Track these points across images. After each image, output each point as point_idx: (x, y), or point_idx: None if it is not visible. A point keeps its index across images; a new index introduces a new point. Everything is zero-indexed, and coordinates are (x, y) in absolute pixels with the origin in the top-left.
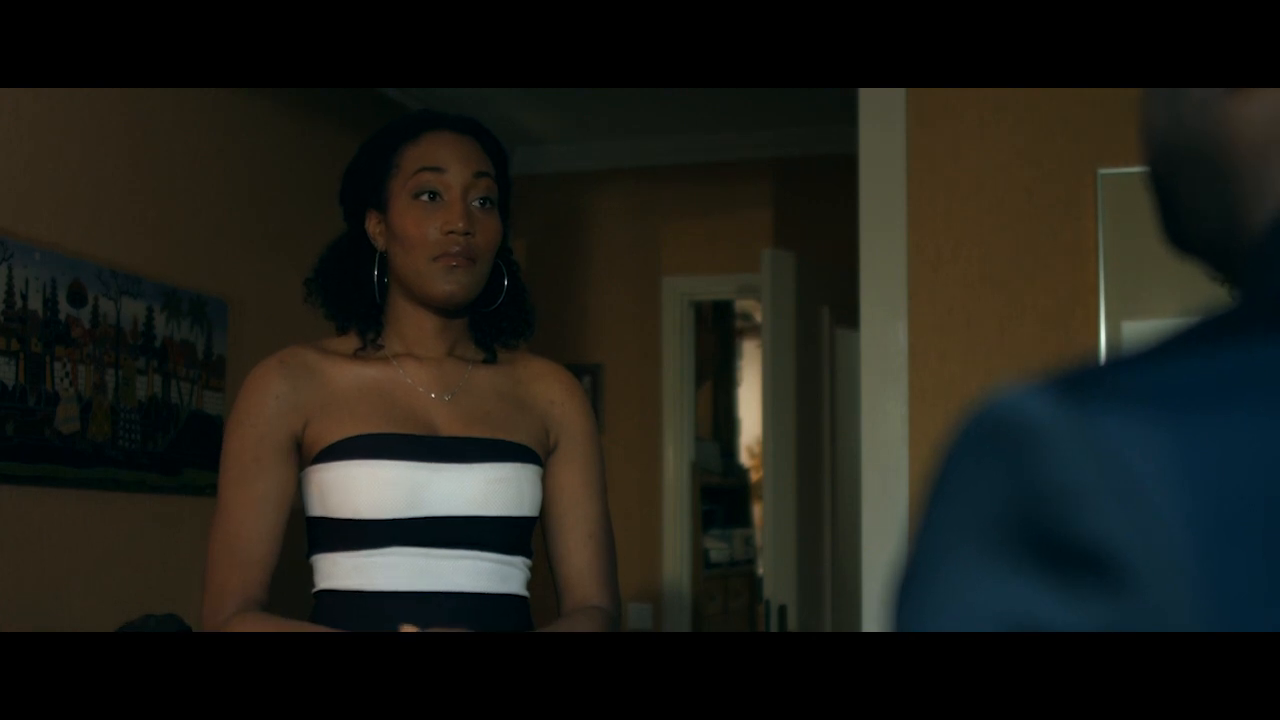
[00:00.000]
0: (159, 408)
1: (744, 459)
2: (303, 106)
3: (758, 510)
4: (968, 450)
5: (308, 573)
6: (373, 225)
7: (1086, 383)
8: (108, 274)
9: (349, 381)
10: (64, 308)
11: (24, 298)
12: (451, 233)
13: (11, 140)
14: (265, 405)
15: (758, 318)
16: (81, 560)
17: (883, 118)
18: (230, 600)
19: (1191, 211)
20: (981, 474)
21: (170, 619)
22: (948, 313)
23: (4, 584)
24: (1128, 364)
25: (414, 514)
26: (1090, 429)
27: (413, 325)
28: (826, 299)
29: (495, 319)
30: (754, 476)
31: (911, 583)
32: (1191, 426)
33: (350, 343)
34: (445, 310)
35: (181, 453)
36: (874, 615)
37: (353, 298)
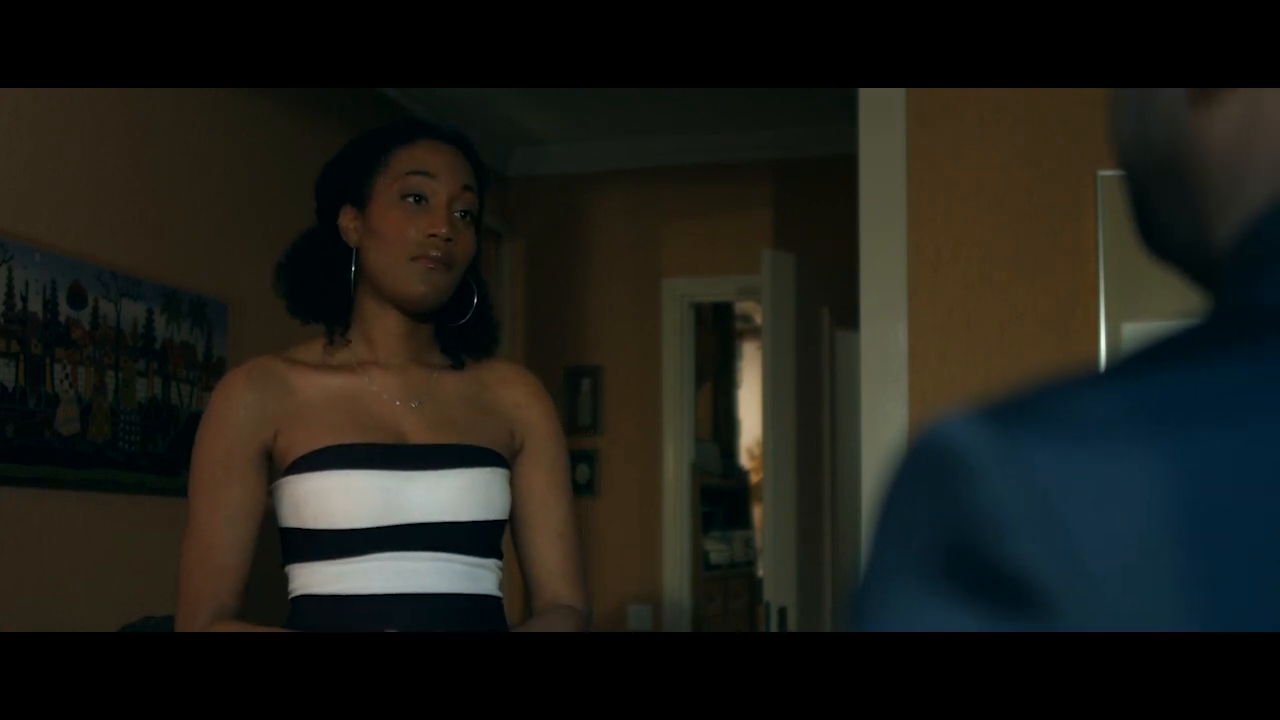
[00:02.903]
0: (159, 409)
1: (744, 460)
2: (303, 106)
3: (758, 512)
4: (904, 480)
5: (282, 581)
6: (347, 220)
7: (1018, 410)
8: (108, 275)
9: (316, 392)
10: (64, 309)
11: (24, 299)
12: (433, 236)
13: (11, 140)
14: (234, 414)
15: (758, 319)
16: (81, 562)
17: (883, 118)
18: (204, 609)
19: (1163, 221)
20: (915, 503)
21: (170, 620)
22: (948, 314)
23: (4, 585)
24: (1063, 390)
25: (388, 522)
26: (1015, 456)
27: (379, 327)
28: (826, 300)
29: (461, 333)
30: (754, 478)
31: (857, 611)
32: (1116, 454)
33: (316, 349)
34: (414, 313)
35: (181, 454)
36: None
37: (324, 292)
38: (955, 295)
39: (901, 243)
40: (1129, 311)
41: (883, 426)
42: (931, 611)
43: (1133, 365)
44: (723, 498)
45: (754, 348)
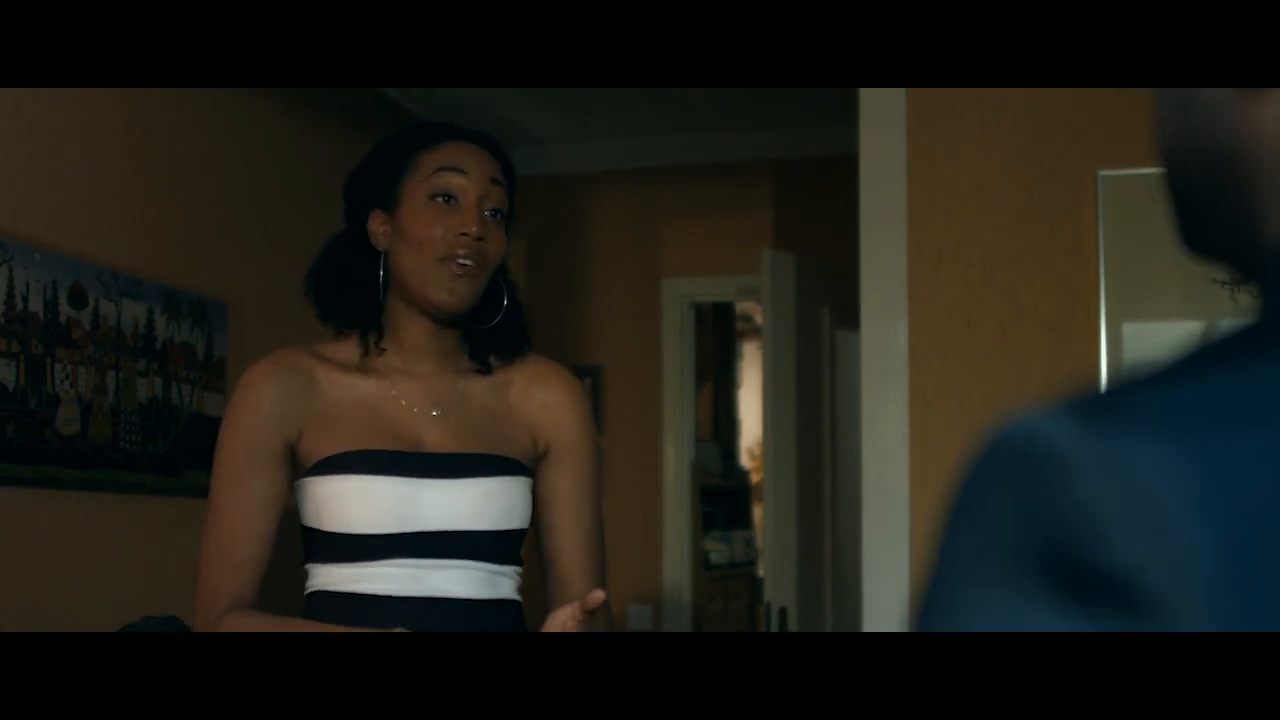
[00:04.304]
0: (159, 409)
1: (744, 460)
2: (303, 106)
3: (758, 512)
4: (987, 475)
5: (301, 575)
6: (376, 224)
7: (1107, 405)
8: (108, 275)
9: (340, 394)
10: (64, 309)
11: (24, 299)
12: (464, 235)
13: (11, 140)
14: (259, 408)
15: (758, 319)
16: (82, 562)
17: (883, 118)
18: (222, 601)
19: (1208, 217)
20: (1001, 500)
21: (170, 620)
22: (948, 313)
23: (4, 585)
24: (1148, 384)
25: (406, 529)
26: (1112, 453)
27: (408, 331)
28: (827, 300)
29: (491, 335)
30: (754, 478)
31: (932, 610)
32: (1214, 449)
33: (346, 349)
34: (440, 319)
35: (182, 454)
36: (875, 617)
37: (353, 298)
38: (956, 295)
39: (902, 243)
40: (1129, 312)
41: (883, 426)
42: (1022, 612)
43: (1202, 362)
44: (723, 497)
45: (754, 348)
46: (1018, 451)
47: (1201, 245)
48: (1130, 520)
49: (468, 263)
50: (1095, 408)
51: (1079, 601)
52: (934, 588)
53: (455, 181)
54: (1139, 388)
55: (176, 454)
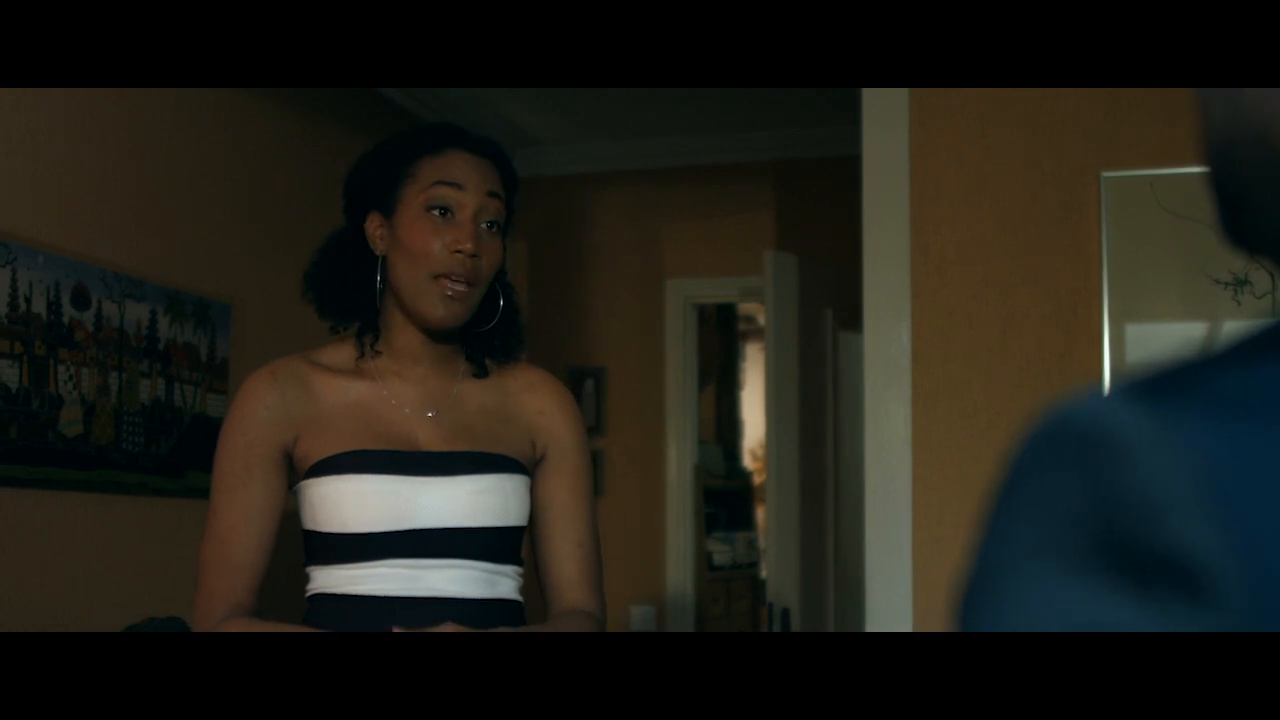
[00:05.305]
0: (162, 410)
1: (747, 461)
2: (303, 106)
3: (761, 513)
4: (1041, 457)
5: (303, 579)
6: (373, 227)
7: (1166, 388)
8: (111, 277)
9: (336, 399)
10: (68, 310)
11: (28, 301)
12: (458, 252)
13: (12, 141)
14: (256, 415)
15: (761, 320)
16: (84, 563)
17: (885, 118)
18: (220, 605)
19: (1255, 208)
20: (1058, 482)
21: (173, 621)
22: (950, 314)
23: (6, 586)
24: (1201, 370)
25: (401, 527)
26: (1175, 437)
27: (402, 336)
28: (829, 301)
29: (487, 338)
30: (757, 479)
31: (982, 594)
32: (1276, 434)
33: (341, 354)
34: (434, 332)
35: (184, 455)
36: (878, 617)
37: (350, 298)
38: (958, 296)
39: (904, 243)
40: (1131, 313)
41: (885, 427)
42: (1079, 595)
43: (1240, 351)
44: (726, 499)
45: (757, 349)
46: (1078, 434)
47: (1247, 239)
48: (1196, 505)
49: (460, 285)
50: (1154, 391)
51: (1142, 586)
52: (985, 569)
53: (452, 196)
54: (1193, 373)
55: (179, 455)
